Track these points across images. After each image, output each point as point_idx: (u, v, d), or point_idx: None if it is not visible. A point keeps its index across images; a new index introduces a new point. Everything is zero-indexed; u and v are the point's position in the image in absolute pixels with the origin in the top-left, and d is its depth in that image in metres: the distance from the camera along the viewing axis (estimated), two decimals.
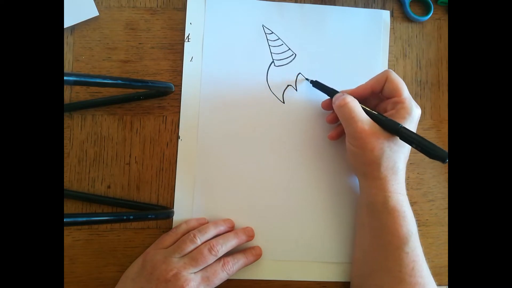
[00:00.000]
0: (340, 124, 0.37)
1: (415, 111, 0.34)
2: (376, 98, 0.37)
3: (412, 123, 0.34)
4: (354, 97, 0.35)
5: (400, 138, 0.33)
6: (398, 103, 0.34)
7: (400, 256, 0.32)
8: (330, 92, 0.38)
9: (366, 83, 0.36)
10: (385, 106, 0.36)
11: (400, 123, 0.33)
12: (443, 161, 0.30)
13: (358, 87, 0.37)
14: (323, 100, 0.40)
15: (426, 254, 0.40)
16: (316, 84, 0.39)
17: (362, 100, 0.36)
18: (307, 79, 0.40)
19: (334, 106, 0.36)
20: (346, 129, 0.35)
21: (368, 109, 0.35)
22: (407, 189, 0.41)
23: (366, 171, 0.34)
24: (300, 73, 0.41)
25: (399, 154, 0.33)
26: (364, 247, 0.36)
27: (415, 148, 0.32)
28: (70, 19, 0.39)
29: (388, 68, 0.42)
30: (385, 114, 0.34)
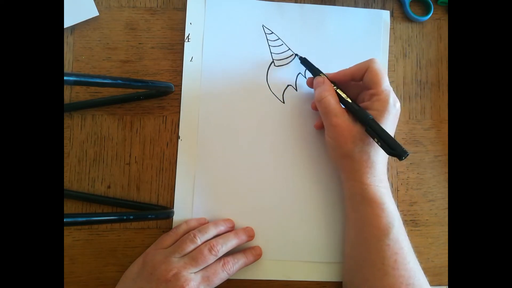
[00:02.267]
0: None
1: (392, 105, 0.33)
2: (358, 86, 0.37)
3: (388, 117, 0.33)
4: (335, 81, 0.36)
5: (366, 131, 0.32)
6: (375, 95, 0.34)
7: (382, 248, 0.32)
8: (315, 71, 0.38)
9: (349, 68, 0.36)
10: (363, 97, 0.36)
11: (374, 116, 0.32)
12: (399, 157, 0.30)
13: (340, 71, 0.37)
14: None
15: (426, 254, 0.40)
16: (304, 61, 0.40)
17: (343, 85, 0.36)
18: (296, 54, 0.40)
19: (315, 92, 0.37)
20: (324, 122, 0.36)
21: (344, 96, 0.35)
22: (407, 189, 0.41)
23: (343, 163, 0.35)
24: (300, 73, 0.41)
25: (374, 147, 0.33)
26: (350, 241, 0.36)
27: (377, 142, 0.31)
28: (70, 19, 0.39)
29: (388, 68, 0.42)
30: (360, 105, 0.34)
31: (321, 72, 0.38)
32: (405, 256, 0.33)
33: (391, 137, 0.31)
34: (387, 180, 0.35)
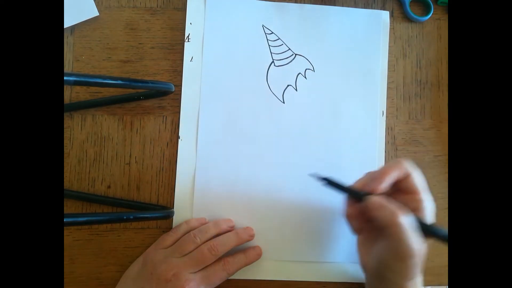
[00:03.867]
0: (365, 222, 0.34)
1: (433, 206, 0.33)
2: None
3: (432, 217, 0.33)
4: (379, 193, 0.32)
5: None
6: (420, 202, 0.32)
7: None
8: (351, 192, 0.34)
9: (386, 176, 0.32)
10: (405, 202, 0.33)
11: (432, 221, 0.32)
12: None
13: (380, 180, 0.32)
14: (323, 100, 0.40)
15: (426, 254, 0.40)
16: (330, 184, 0.34)
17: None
18: (317, 177, 0.34)
19: (375, 215, 0.32)
20: (392, 245, 0.31)
21: (422, 222, 0.31)
22: None
23: (404, 284, 0.32)
24: (300, 73, 0.41)
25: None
26: None
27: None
28: (70, 19, 0.39)
29: (388, 68, 0.42)
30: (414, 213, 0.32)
31: (360, 193, 0.33)
32: None
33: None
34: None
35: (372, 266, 0.34)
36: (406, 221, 0.30)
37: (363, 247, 0.35)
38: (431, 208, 0.33)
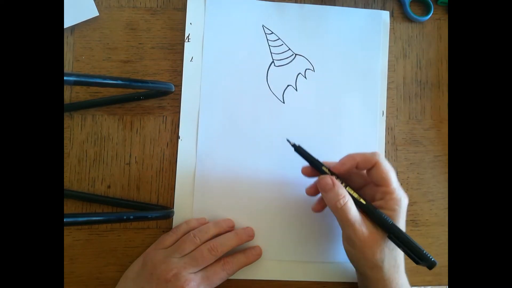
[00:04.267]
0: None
1: (404, 202, 0.33)
2: (360, 176, 0.36)
3: (401, 214, 0.33)
4: (338, 174, 0.34)
5: (388, 237, 0.32)
6: (387, 194, 0.33)
7: None
8: (314, 163, 0.35)
9: (351, 159, 0.34)
10: (373, 193, 0.34)
11: (390, 216, 0.32)
12: (429, 268, 0.30)
13: (342, 163, 0.34)
14: (323, 100, 0.40)
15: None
16: (299, 151, 0.35)
17: (346, 177, 0.34)
18: (289, 141, 0.36)
19: (323, 195, 0.34)
20: (343, 230, 0.33)
21: (356, 196, 0.33)
22: (407, 189, 0.41)
23: (369, 274, 0.33)
24: (300, 73, 0.41)
25: (397, 248, 0.32)
26: None
27: (403, 251, 0.31)
28: (70, 19, 0.39)
29: (388, 68, 0.42)
30: (374, 203, 0.33)
31: (322, 165, 0.34)
32: None
33: (417, 245, 0.31)
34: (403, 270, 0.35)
35: (354, 265, 0.35)
36: (346, 206, 0.31)
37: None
38: (399, 202, 0.32)
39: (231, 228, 0.38)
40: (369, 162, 0.33)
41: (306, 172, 0.36)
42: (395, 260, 0.33)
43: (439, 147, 0.42)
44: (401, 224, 0.33)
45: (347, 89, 0.41)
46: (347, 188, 0.33)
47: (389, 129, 0.42)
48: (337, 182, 0.33)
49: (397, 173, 0.41)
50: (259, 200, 0.39)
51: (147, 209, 0.38)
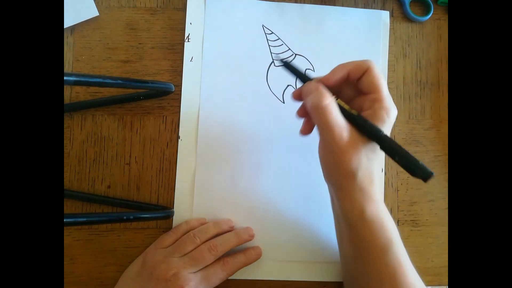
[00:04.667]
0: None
1: (393, 112, 0.30)
2: (351, 87, 0.33)
3: (389, 125, 0.30)
4: (328, 86, 0.31)
5: (381, 148, 0.29)
6: (377, 102, 0.30)
7: (380, 266, 0.31)
8: (302, 77, 0.32)
9: (342, 67, 0.31)
10: (361, 103, 0.32)
11: (379, 126, 0.29)
12: (424, 180, 0.28)
13: (332, 73, 0.31)
14: None
15: (426, 254, 0.40)
16: (287, 66, 0.33)
17: (336, 90, 0.32)
18: (278, 60, 0.34)
19: (305, 100, 0.31)
20: (321, 135, 0.31)
21: (346, 107, 0.31)
22: (407, 189, 0.41)
23: (341, 182, 0.31)
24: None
25: (376, 162, 0.30)
26: (346, 258, 0.35)
27: (396, 161, 0.29)
28: (70, 19, 0.39)
29: (388, 68, 0.42)
30: (362, 114, 0.31)
31: (309, 78, 0.32)
32: (404, 271, 0.31)
33: (411, 155, 0.28)
34: (382, 193, 0.33)
35: (323, 171, 0.32)
36: (331, 107, 0.29)
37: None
38: (389, 112, 0.30)
39: (231, 228, 0.38)
40: (361, 68, 0.31)
41: (297, 95, 0.33)
42: (370, 173, 0.30)
43: (439, 147, 0.42)
44: (388, 134, 0.30)
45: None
46: (338, 100, 0.31)
47: None
48: (323, 86, 0.30)
49: (397, 173, 0.41)
50: (259, 200, 0.39)
51: (147, 209, 0.38)
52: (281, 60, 0.33)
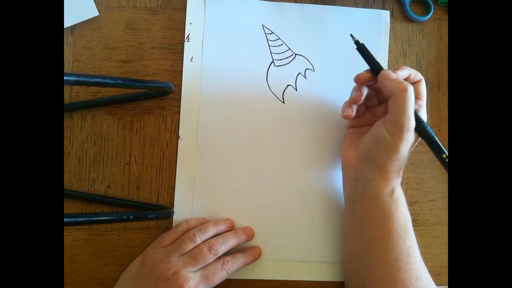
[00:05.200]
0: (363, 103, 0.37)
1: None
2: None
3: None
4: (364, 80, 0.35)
5: (427, 144, 0.34)
6: (419, 107, 0.36)
7: (399, 244, 0.33)
8: (374, 63, 0.35)
9: (407, 68, 0.35)
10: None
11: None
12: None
13: (402, 68, 0.35)
14: (324, 100, 0.39)
15: (426, 254, 0.40)
16: (361, 49, 0.35)
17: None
18: (352, 36, 0.36)
19: (385, 83, 0.34)
20: (393, 115, 0.33)
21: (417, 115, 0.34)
22: (407, 189, 0.41)
23: (386, 164, 0.34)
24: (300, 73, 0.41)
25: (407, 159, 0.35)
26: (359, 242, 0.36)
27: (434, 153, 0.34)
28: (70, 19, 0.39)
29: (388, 68, 0.42)
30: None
31: (382, 67, 0.35)
32: (415, 249, 0.34)
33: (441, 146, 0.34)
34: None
35: (360, 154, 0.36)
36: (412, 93, 0.33)
37: (351, 145, 0.37)
38: (424, 118, 0.35)
39: (231, 228, 0.38)
40: (418, 76, 0.36)
41: (362, 79, 0.35)
42: (405, 161, 0.35)
43: None
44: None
45: (347, 89, 0.41)
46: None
47: None
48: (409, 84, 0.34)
49: None
50: (259, 200, 0.39)
51: (147, 209, 0.38)
52: (356, 42, 0.36)
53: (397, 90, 0.33)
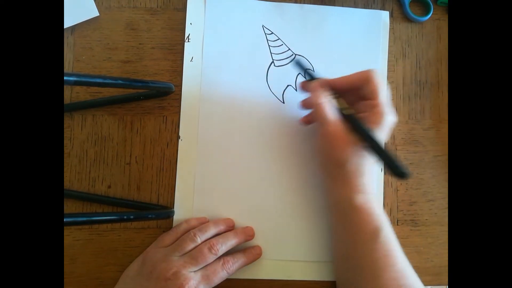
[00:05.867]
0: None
1: (389, 118, 0.33)
2: (353, 92, 0.36)
3: (384, 129, 0.33)
4: (333, 88, 0.35)
5: (365, 145, 0.32)
6: (373, 107, 0.33)
7: (370, 251, 0.33)
8: (311, 75, 0.36)
9: (347, 77, 0.35)
10: (361, 108, 0.35)
11: (373, 128, 0.32)
12: (402, 178, 0.30)
13: (339, 79, 0.35)
14: None
15: (426, 254, 0.41)
16: (299, 64, 0.37)
17: (340, 93, 0.35)
18: (294, 54, 0.38)
19: (309, 98, 0.36)
20: (320, 128, 0.34)
21: (344, 106, 0.34)
22: (407, 189, 0.41)
23: (333, 172, 0.35)
24: (300, 73, 0.41)
25: (365, 158, 0.33)
26: (339, 246, 0.36)
27: (378, 160, 0.32)
28: (70, 19, 0.39)
29: (388, 68, 0.42)
30: (358, 115, 0.34)
31: (315, 77, 0.36)
32: (394, 257, 0.33)
33: (392, 157, 0.31)
34: (374, 187, 0.36)
35: (317, 161, 0.37)
36: (328, 105, 0.34)
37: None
38: (383, 116, 0.33)
39: (231, 228, 0.38)
40: (363, 78, 0.34)
41: (304, 86, 0.37)
42: (359, 167, 0.33)
43: (438, 147, 0.42)
44: (382, 139, 0.33)
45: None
46: (339, 98, 0.35)
47: None
48: (323, 86, 0.35)
49: None
50: (259, 200, 0.39)
51: (147, 209, 0.38)
52: (295, 58, 0.38)
53: (313, 104, 0.35)
